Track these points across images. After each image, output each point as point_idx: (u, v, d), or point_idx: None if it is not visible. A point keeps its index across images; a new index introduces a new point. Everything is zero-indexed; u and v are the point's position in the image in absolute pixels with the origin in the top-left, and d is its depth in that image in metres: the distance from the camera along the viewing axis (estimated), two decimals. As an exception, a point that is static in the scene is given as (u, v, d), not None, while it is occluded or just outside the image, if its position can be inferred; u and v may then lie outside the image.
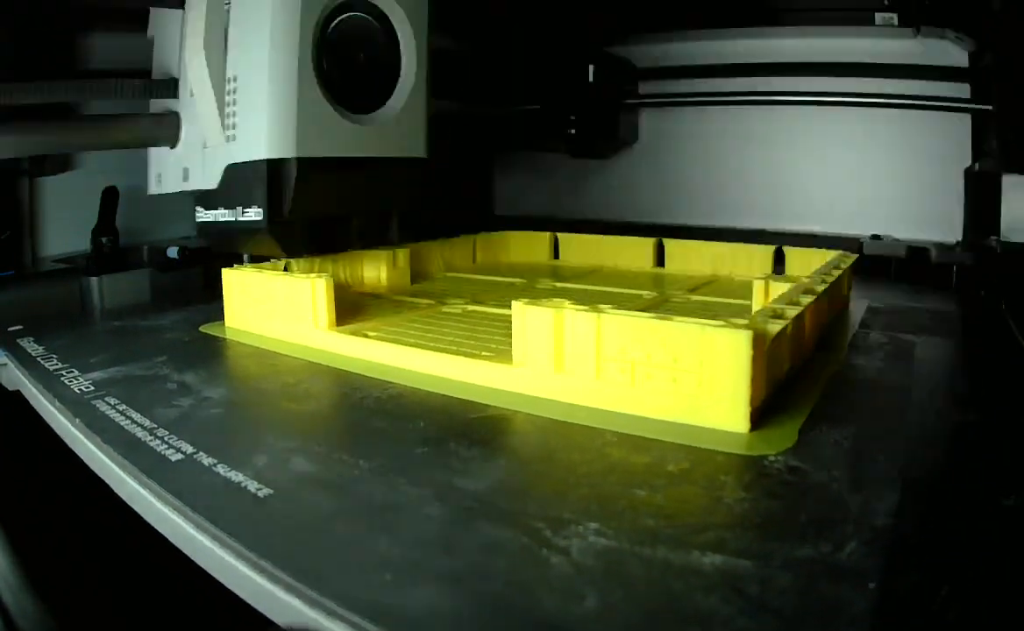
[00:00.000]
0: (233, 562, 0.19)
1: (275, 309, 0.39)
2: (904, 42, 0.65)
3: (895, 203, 0.68)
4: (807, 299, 0.33)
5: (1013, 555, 0.19)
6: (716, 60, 0.73)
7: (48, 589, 0.31)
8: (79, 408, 0.29)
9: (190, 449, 0.25)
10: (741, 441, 0.25)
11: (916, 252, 0.63)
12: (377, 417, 0.27)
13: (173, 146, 0.42)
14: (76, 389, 0.32)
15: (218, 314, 0.44)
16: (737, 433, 0.25)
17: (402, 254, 0.51)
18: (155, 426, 0.27)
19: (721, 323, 0.25)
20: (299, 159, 0.35)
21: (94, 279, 0.51)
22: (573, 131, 0.74)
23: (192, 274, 0.57)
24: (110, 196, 0.55)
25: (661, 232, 0.72)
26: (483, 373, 0.30)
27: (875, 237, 0.66)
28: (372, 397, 0.29)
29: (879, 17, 0.65)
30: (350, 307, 0.44)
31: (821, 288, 0.36)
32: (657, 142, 0.79)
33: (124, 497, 0.24)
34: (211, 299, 0.47)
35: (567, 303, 0.28)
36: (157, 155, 0.44)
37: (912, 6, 0.62)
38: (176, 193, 0.44)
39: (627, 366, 0.27)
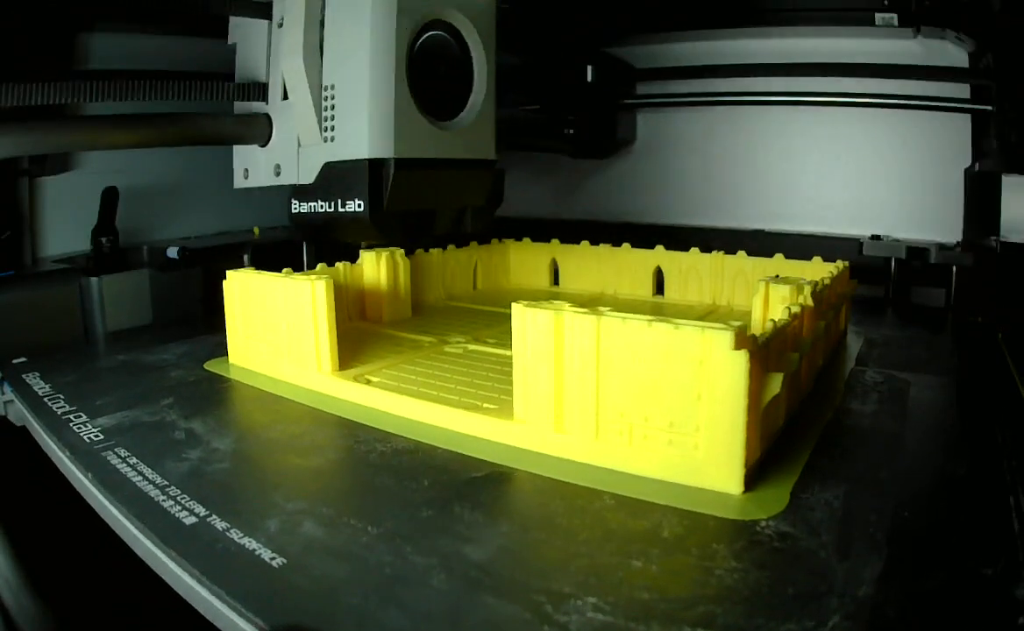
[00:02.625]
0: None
1: (279, 349, 0.41)
2: (904, 42, 0.67)
3: (895, 203, 0.70)
4: (806, 345, 0.34)
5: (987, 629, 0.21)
6: (715, 60, 0.75)
7: (48, 589, 0.32)
8: (90, 460, 0.31)
9: (203, 511, 0.26)
10: (734, 504, 0.27)
11: (916, 252, 0.65)
12: (382, 474, 0.29)
13: (264, 145, 0.48)
14: (85, 438, 0.34)
15: (221, 347, 0.46)
16: (731, 494, 0.27)
17: (404, 285, 0.53)
18: (167, 483, 0.29)
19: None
20: (396, 159, 0.41)
21: (94, 279, 0.53)
22: (572, 131, 0.76)
23: (192, 274, 0.59)
24: (110, 196, 0.56)
25: (659, 232, 0.73)
26: (485, 427, 0.32)
27: (875, 237, 0.68)
28: (376, 451, 0.31)
29: (879, 17, 0.66)
30: (353, 343, 0.46)
31: (821, 323, 0.38)
32: (656, 142, 0.81)
33: (141, 555, 0.26)
34: (212, 309, 0.49)
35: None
36: (243, 152, 0.49)
37: (912, 6, 0.64)
38: (266, 187, 0.49)
39: (625, 428, 0.28)
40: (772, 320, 0.31)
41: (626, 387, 0.28)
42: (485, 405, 0.34)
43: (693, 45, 0.77)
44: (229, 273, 0.44)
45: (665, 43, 0.78)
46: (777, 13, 0.71)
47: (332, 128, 0.43)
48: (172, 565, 0.24)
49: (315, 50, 0.43)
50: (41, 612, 0.32)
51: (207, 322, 0.58)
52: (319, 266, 0.50)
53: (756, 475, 0.28)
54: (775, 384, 0.28)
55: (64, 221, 0.60)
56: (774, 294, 0.39)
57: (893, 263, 0.66)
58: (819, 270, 0.53)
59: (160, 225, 0.67)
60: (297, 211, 0.45)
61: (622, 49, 0.79)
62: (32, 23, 0.55)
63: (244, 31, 0.49)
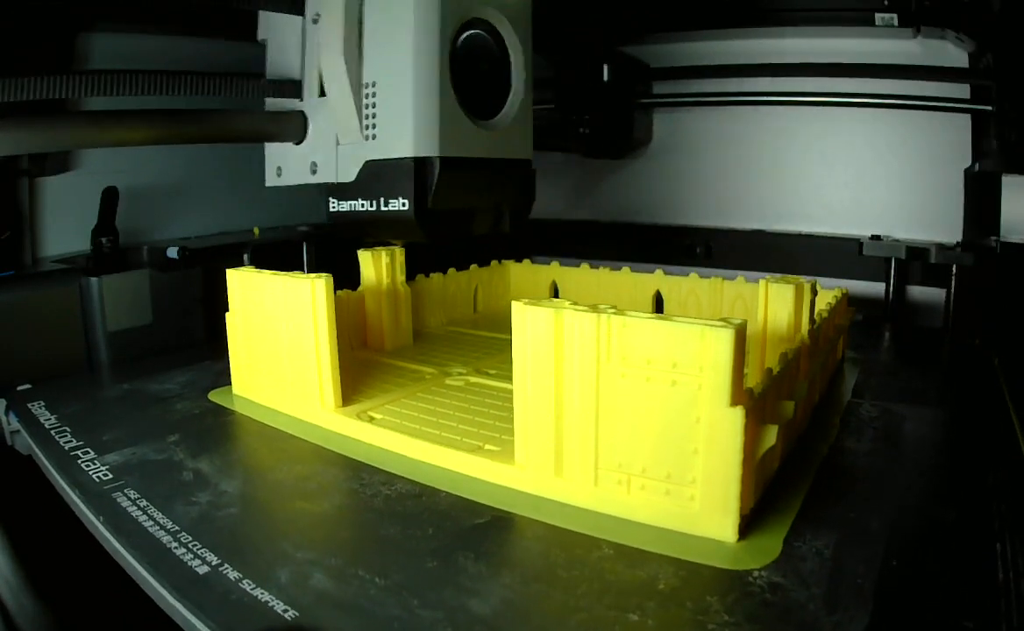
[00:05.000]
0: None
1: (282, 382, 0.42)
2: (904, 42, 0.69)
3: (895, 203, 0.72)
4: (802, 389, 0.36)
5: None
6: (715, 61, 0.77)
7: (48, 589, 0.34)
8: (101, 503, 0.33)
9: (215, 559, 0.28)
10: (729, 553, 0.28)
11: (916, 252, 0.66)
12: (388, 521, 0.31)
13: (299, 142, 0.48)
14: (95, 477, 0.35)
15: (224, 376, 0.47)
16: (726, 542, 0.29)
17: (405, 312, 0.54)
18: (178, 529, 0.30)
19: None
20: (441, 158, 0.43)
21: (94, 279, 0.54)
22: (587, 131, 0.77)
23: (192, 274, 0.60)
24: (110, 196, 0.58)
25: (660, 233, 0.77)
26: (487, 470, 0.34)
27: (875, 237, 0.69)
28: (381, 495, 0.33)
29: (879, 17, 0.67)
30: (355, 374, 0.47)
31: (817, 361, 0.40)
32: (663, 143, 0.83)
33: (156, 601, 0.27)
34: (212, 310, 0.50)
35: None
36: (277, 150, 0.50)
37: (912, 6, 0.65)
38: (300, 185, 0.50)
39: (624, 478, 0.30)
40: (769, 368, 0.32)
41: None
42: (487, 446, 0.36)
43: (698, 45, 0.79)
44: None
45: (669, 43, 0.80)
46: (779, 13, 0.73)
47: (374, 126, 0.43)
48: (188, 615, 0.26)
49: (355, 47, 0.43)
50: (41, 612, 0.33)
51: (207, 327, 0.60)
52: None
53: (751, 520, 0.30)
54: (770, 436, 0.29)
55: (64, 221, 0.62)
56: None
57: (893, 263, 0.68)
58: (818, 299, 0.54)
59: (160, 225, 0.68)
60: (336, 210, 0.46)
61: (634, 48, 0.81)
62: (39, 23, 0.56)
63: (275, 27, 0.50)
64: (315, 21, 0.45)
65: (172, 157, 0.67)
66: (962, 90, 0.68)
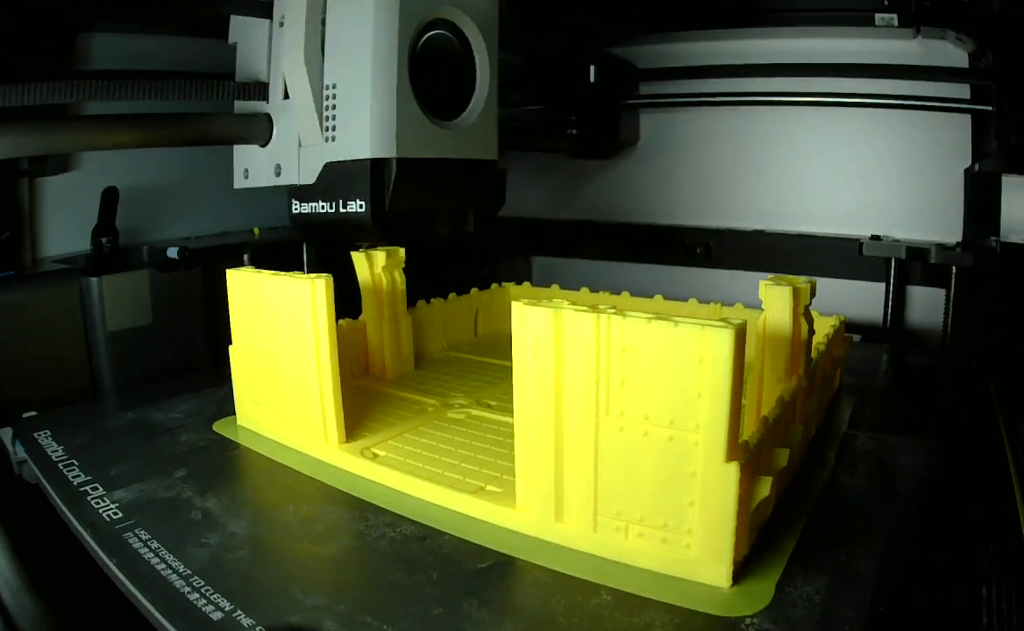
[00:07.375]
0: None
1: (285, 413, 0.44)
2: (904, 42, 0.71)
3: (895, 204, 0.74)
4: (796, 435, 0.38)
5: None
6: (715, 60, 0.78)
7: (48, 589, 0.35)
8: (113, 544, 0.34)
9: (228, 605, 0.29)
10: (722, 599, 0.30)
11: (916, 252, 0.68)
12: (394, 566, 0.32)
13: (264, 145, 0.50)
14: (105, 515, 0.37)
15: (228, 404, 0.49)
16: (720, 588, 0.30)
17: (406, 340, 0.56)
18: (190, 573, 0.32)
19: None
20: (398, 159, 0.44)
21: (94, 279, 0.56)
22: (574, 132, 0.79)
23: (192, 274, 0.62)
24: (110, 196, 0.59)
25: (659, 233, 0.78)
26: (490, 512, 0.35)
27: (875, 238, 0.71)
28: (386, 538, 0.34)
29: (879, 17, 0.69)
30: (358, 405, 0.48)
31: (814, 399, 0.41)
32: (656, 143, 0.85)
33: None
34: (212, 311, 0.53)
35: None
36: (244, 152, 0.51)
37: (912, 6, 0.67)
38: (266, 187, 0.52)
39: (622, 525, 0.32)
40: (764, 417, 0.34)
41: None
42: (489, 487, 0.37)
43: (694, 45, 0.80)
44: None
45: (666, 43, 0.81)
46: (777, 13, 0.74)
47: (333, 128, 0.45)
48: (203, 663, 0.27)
49: (316, 49, 0.45)
50: (41, 612, 0.35)
51: (208, 328, 0.62)
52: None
53: (745, 564, 0.32)
54: (764, 488, 0.31)
55: (64, 221, 0.63)
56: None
57: (893, 263, 0.69)
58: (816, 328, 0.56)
59: (160, 225, 0.69)
60: (297, 212, 0.47)
61: (624, 49, 0.83)
62: (32, 23, 0.58)
63: (245, 30, 0.51)
64: (281, 24, 0.47)
65: (172, 157, 0.69)
66: (962, 90, 0.69)
